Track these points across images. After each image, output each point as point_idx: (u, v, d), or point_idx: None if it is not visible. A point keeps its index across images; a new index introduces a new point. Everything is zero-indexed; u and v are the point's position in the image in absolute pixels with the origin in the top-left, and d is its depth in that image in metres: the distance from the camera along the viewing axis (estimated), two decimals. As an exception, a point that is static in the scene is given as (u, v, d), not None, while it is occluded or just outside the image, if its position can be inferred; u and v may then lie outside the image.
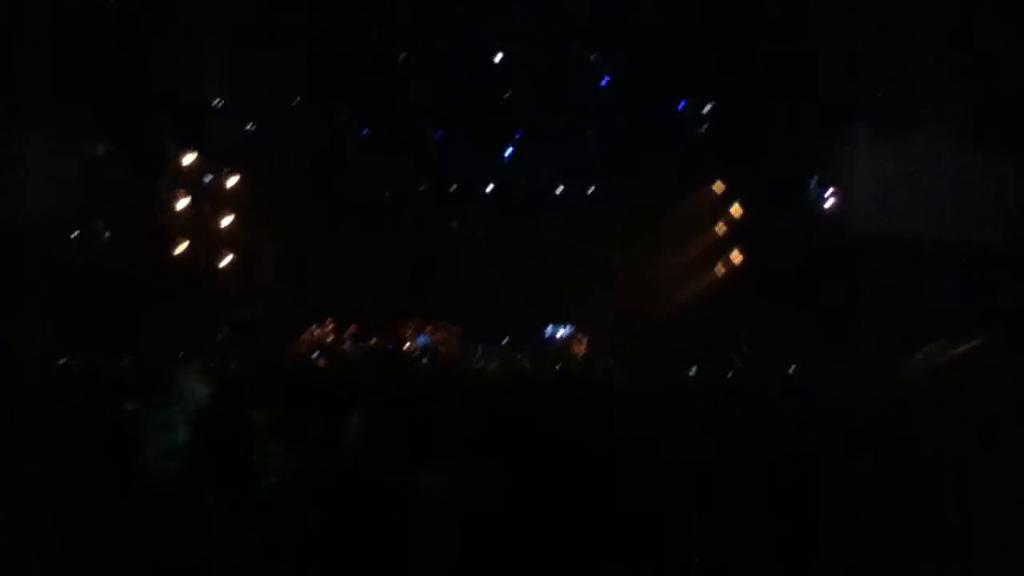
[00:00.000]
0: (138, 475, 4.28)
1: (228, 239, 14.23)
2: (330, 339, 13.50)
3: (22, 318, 9.95)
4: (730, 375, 10.38)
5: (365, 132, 15.23)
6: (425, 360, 12.70)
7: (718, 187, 14.32)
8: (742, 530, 4.52)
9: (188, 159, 13.38)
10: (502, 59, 14.12)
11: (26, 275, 10.56)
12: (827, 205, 13.90)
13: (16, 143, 10.72)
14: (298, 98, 14.34)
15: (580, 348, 13.58)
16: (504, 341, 14.01)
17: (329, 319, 13.65)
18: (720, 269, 14.32)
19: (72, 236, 12.21)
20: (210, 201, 13.99)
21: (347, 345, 13.02)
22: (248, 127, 14.27)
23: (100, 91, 11.64)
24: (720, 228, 14.35)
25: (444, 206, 15.38)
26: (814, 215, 13.95)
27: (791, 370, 10.31)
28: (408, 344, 13.84)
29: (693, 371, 10.28)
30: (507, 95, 14.46)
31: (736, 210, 14.20)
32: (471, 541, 3.98)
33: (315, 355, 13.07)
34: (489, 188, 15.40)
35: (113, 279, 11.82)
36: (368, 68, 13.98)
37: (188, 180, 13.55)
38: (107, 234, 12.71)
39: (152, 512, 4.10)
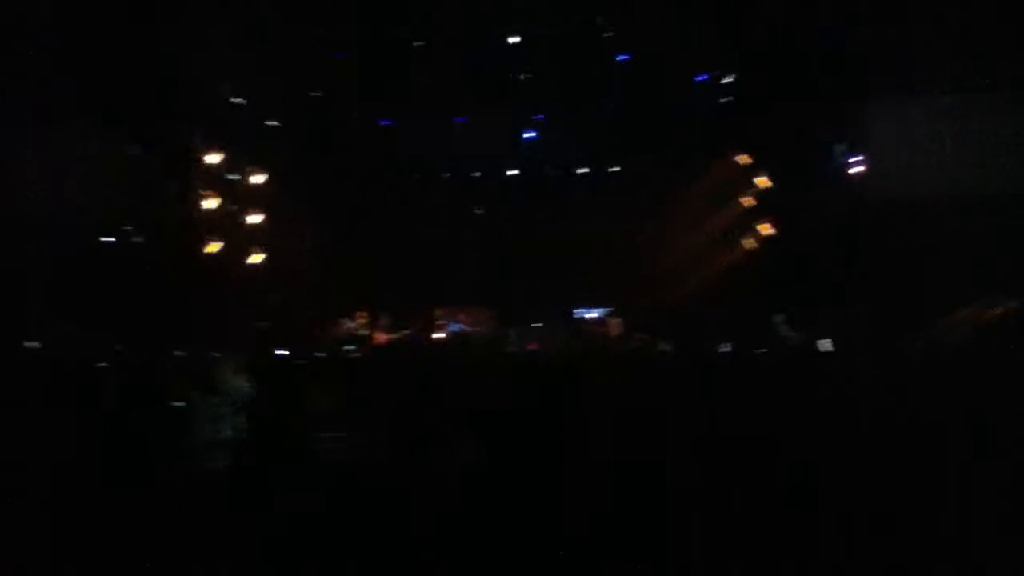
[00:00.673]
0: (189, 465, 4.34)
1: (257, 235, 14.33)
2: (362, 331, 13.59)
3: (60, 316, 10.11)
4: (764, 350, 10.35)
5: (386, 122, 15.26)
6: (457, 346, 12.78)
7: (743, 159, 14.19)
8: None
9: (215, 157, 13.46)
10: (520, 40, 14.03)
11: (61, 273, 10.72)
12: (854, 171, 13.72)
13: (45, 142, 10.85)
14: (320, 91, 14.38)
15: (614, 328, 13.56)
16: (536, 324, 14.02)
17: (360, 311, 13.74)
18: (750, 242, 14.20)
19: (106, 234, 12.34)
20: (238, 198, 14.09)
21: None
22: (272, 121, 14.33)
23: (129, 90, 11.75)
24: (747, 200, 14.22)
25: (470, 191, 15.42)
26: (841, 182, 13.79)
27: (826, 343, 10.26)
28: (440, 331, 13.90)
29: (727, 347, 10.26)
30: (526, 76, 14.38)
31: (762, 181, 14.07)
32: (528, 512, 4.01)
33: (348, 347, 13.19)
34: (513, 172, 15.38)
35: (146, 277, 11.94)
36: (388, 56, 13.97)
37: (216, 177, 13.64)
38: (140, 232, 12.84)
39: (205, 500, 4.18)
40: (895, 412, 5.24)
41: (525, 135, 15.34)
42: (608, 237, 15.01)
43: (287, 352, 10.96)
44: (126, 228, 13.02)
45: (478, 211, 15.52)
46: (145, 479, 4.30)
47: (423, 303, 14.25)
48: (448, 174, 15.28)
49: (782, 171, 14.09)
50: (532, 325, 13.72)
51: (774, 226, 13.94)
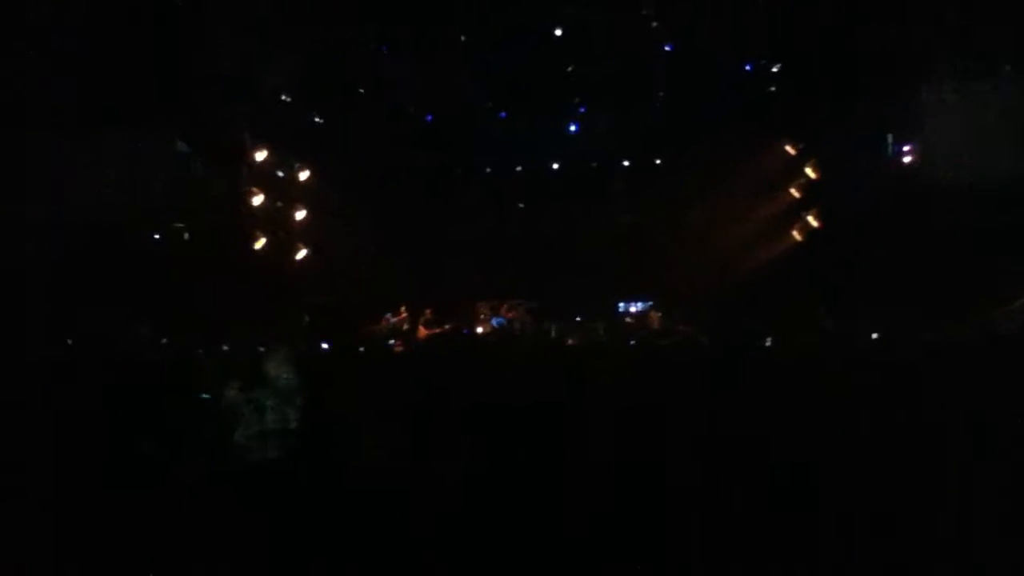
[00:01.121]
0: (237, 453, 4.43)
1: (303, 231, 14.52)
2: (405, 326, 13.72)
3: (112, 308, 10.37)
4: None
5: (430, 117, 15.33)
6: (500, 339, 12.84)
7: (790, 149, 13.97)
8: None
9: (261, 155, 13.66)
10: (564, 32, 13.96)
11: (112, 268, 11.00)
12: (905, 160, 13.44)
13: (94, 142, 11.13)
14: (365, 87, 14.49)
15: (654, 321, 13.51)
16: (578, 318, 13.99)
17: (402, 306, 13.86)
18: (797, 233, 14.00)
19: (153, 231, 12.62)
20: (284, 194, 14.28)
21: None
22: (316, 119, 14.49)
23: (177, 88, 11.98)
24: (796, 190, 14.01)
25: (512, 185, 15.43)
26: (891, 172, 13.52)
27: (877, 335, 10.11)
28: (483, 325, 13.96)
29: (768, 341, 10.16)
30: (569, 68, 14.32)
31: (811, 171, 13.84)
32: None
33: (391, 341, 13.32)
34: (556, 166, 15.35)
35: (195, 271, 12.18)
36: (433, 51, 14.02)
37: (263, 175, 13.84)
38: (187, 229, 13.10)
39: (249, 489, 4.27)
40: (942, 404, 5.16)
41: (569, 128, 15.28)
42: (652, 230, 14.91)
43: (330, 346, 11.12)
44: (175, 225, 13.30)
45: (520, 205, 15.50)
46: (185, 470, 4.40)
47: (466, 297, 14.32)
48: (490, 168, 15.27)
49: (829, 162, 13.85)
50: (575, 319, 13.70)
51: (820, 218, 13.70)
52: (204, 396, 5.61)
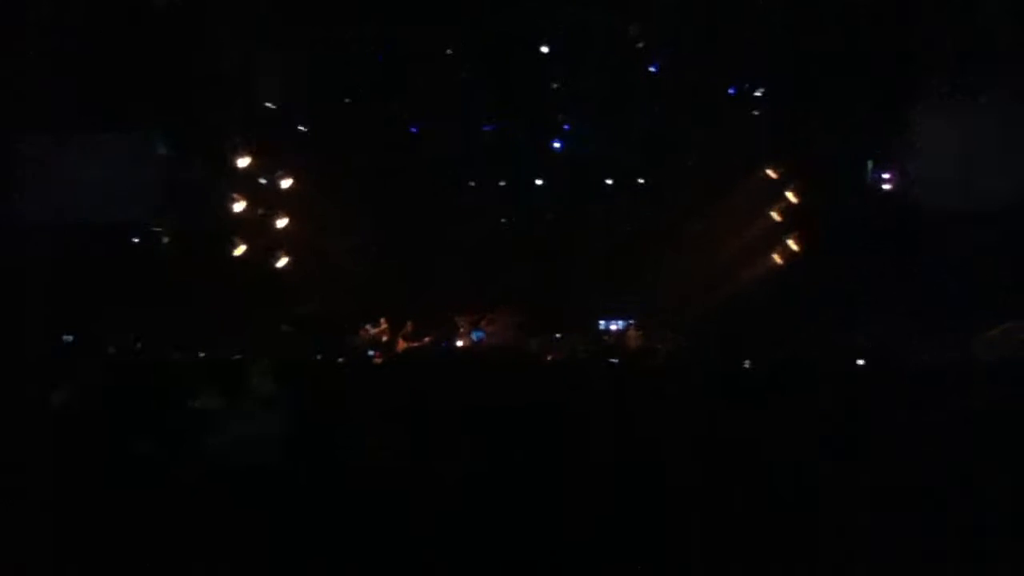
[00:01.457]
0: (213, 462, 4.36)
1: (284, 240, 14.42)
2: (384, 338, 13.64)
3: (93, 311, 10.27)
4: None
5: (415, 129, 15.33)
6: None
7: (773, 172, 14.07)
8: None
9: (244, 160, 13.57)
10: (550, 49, 14.05)
11: (95, 271, 10.90)
12: (884, 186, 13.60)
13: (81, 144, 11.05)
14: (350, 96, 14.49)
15: (634, 340, 13.52)
16: (558, 334, 13.97)
17: (383, 318, 13.79)
18: (778, 257, 14.09)
19: (135, 236, 12.51)
20: (266, 202, 14.19)
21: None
22: (302, 127, 14.44)
23: (164, 92, 11.92)
24: (777, 214, 14.10)
25: (496, 200, 15.42)
26: (872, 198, 13.66)
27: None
28: (463, 339, 13.91)
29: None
30: (555, 85, 14.39)
31: (792, 195, 13.94)
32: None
33: (370, 353, 13.25)
34: (540, 181, 15.36)
35: (177, 276, 12.08)
36: (419, 62, 14.05)
37: (245, 181, 13.75)
38: (168, 234, 12.99)
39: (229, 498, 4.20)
40: (918, 426, 5.17)
41: (553, 144, 15.32)
42: (634, 249, 14.95)
43: (310, 356, 11.04)
44: (155, 229, 13.19)
45: (503, 220, 15.48)
46: (165, 477, 4.33)
47: (446, 310, 14.27)
48: (473, 182, 15.25)
49: (812, 185, 13.96)
50: (555, 335, 13.67)
51: (802, 240, 13.79)
52: (183, 401, 5.54)
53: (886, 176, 13.67)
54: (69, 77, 10.93)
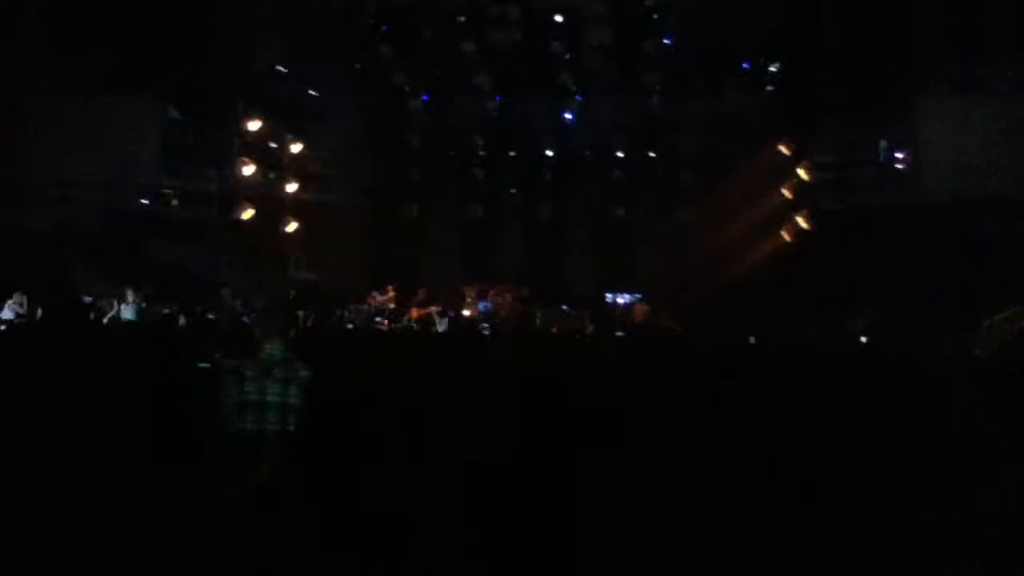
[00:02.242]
0: (221, 422, 4.37)
1: (293, 205, 14.42)
2: (391, 305, 13.67)
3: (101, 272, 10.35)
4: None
5: (426, 97, 15.27)
6: (486, 324, 12.81)
7: (785, 149, 13.96)
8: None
9: (254, 125, 13.54)
10: (563, 19, 13.91)
11: (104, 238, 10.95)
12: (898, 167, 13.48)
13: (86, 107, 11.05)
14: (362, 63, 14.41)
15: (639, 315, 13.51)
16: (565, 306, 13.97)
17: (390, 286, 13.81)
18: (786, 234, 14.01)
19: (147, 200, 12.53)
20: (275, 166, 14.19)
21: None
22: (312, 93, 14.39)
23: (172, 58, 11.89)
24: (787, 191, 14.00)
25: (506, 170, 15.36)
26: (884, 177, 13.56)
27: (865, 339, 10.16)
28: (470, 309, 13.93)
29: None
30: (568, 56, 14.27)
31: (804, 172, 13.84)
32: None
33: (377, 319, 13.28)
34: (550, 153, 15.28)
35: (184, 239, 12.11)
36: (428, 31, 13.95)
37: (254, 145, 13.72)
38: (180, 199, 13.01)
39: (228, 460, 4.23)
40: (921, 413, 5.17)
41: (564, 116, 15.23)
42: (644, 223, 14.91)
43: (318, 321, 11.08)
44: (166, 193, 13.21)
45: (512, 191, 15.44)
46: (183, 439, 4.37)
47: (455, 280, 14.28)
48: (483, 152, 15.19)
49: (823, 164, 13.87)
50: (561, 308, 13.67)
51: (811, 219, 13.71)
52: (201, 364, 5.59)
53: (899, 155, 13.54)
54: (83, 41, 10.91)
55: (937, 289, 10.80)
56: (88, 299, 10.13)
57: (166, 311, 9.66)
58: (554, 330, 12.33)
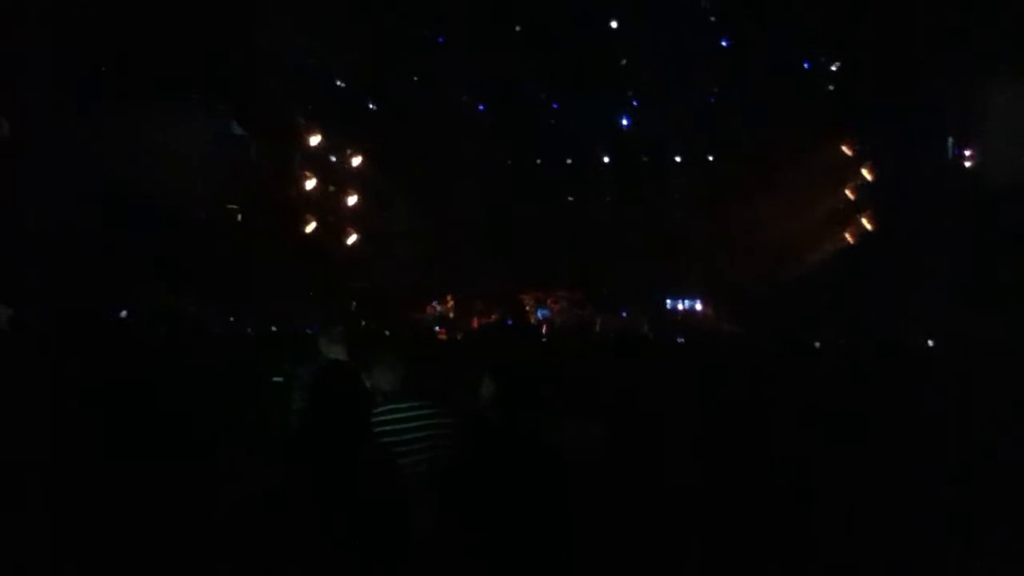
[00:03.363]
0: (286, 435, 4.42)
1: (353, 217, 14.63)
2: (450, 315, 13.78)
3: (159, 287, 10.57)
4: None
5: (482, 107, 15.36)
6: (544, 331, 12.83)
7: (846, 149, 13.71)
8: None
9: (315, 139, 13.78)
10: (618, 25, 13.88)
11: (164, 247, 11.18)
12: (965, 164, 13.13)
13: (152, 122, 11.29)
14: (418, 75, 14.57)
15: (703, 318, 13.40)
16: (623, 312, 13.92)
17: (449, 295, 13.91)
18: (850, 236, 13.73)
19: (206, 212, 12.79)
20: (336, 180, 14.41)
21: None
22: (370, 105, 14.60)
23: (233, 71, 12.14)
24: (850, 192, 13.74)
25: (562, 177, 15.36)
26: (950, 175, 13.21)
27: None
28: (528, 316, 13.96)
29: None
30: (623, 62, 14.22)
31: (867, 173, 13.57)
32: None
33: (436, 328, 13.40)
34: (607, 159, 15.24)
35: (245, 252, 12.33)
36: (487, 41, 14.04)
37: (316, 159, 13.96)
38: (240, 211, 13.28)
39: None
40: (994, 414, 5.03)
41: (621, 121, 15.18)
42: (702, 227, 14.76)
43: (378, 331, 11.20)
44: (228, 206, 13.49)
45: (570, 198, 15.43)
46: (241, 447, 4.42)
47: (513, 288, 14.32)
48: (540, 160, 15.22)
49: (886, 163, 13.57)
50: (620, 314, 13.62)
51: (874, 220, 13.43)
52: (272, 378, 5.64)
53: (968, 153, 13.19)
54: (148, 53, 11.19)
55: (1007, 287, 10.47)
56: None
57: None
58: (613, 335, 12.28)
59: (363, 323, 11.37)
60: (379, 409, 3.81)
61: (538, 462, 3.52)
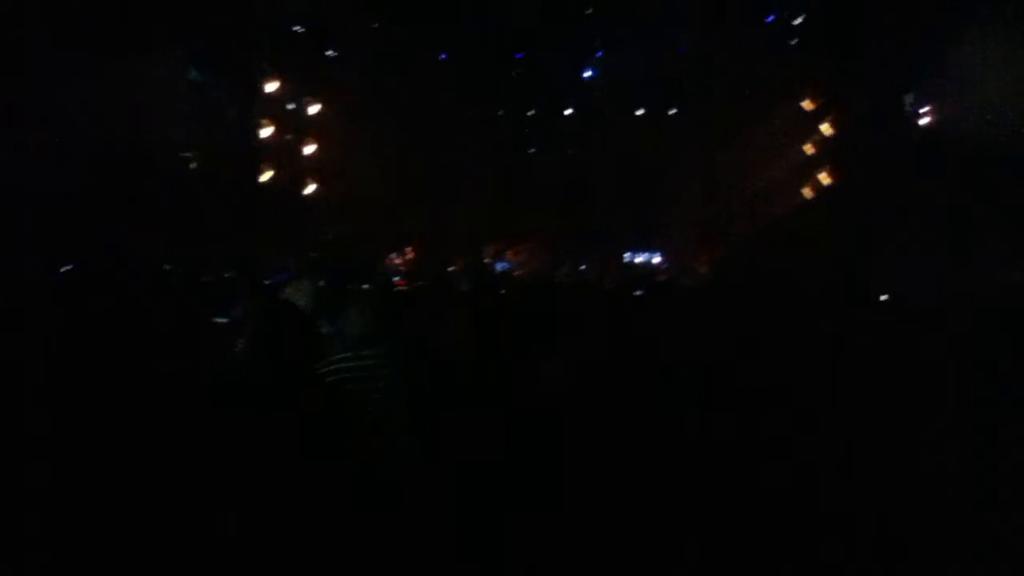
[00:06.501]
0: (239, 380, 4.35)
1: (314, 164, 14.42)
2: (410, 266, 13.71)
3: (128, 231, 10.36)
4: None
5: (444, 55, 15.14)
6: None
7: (808, 104, 13.77)
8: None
9: (272, 86, 13.49)
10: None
11: (133, 192, 10.96)
12: (923, 122, 13.26)
13: (106, 67, 10.98)
14: (377, 23, 14.30)
15: (662, 271, 13.49)
16: (583, 264, 13.96)
17: (409, 247, 13.83)
18: (808, 191, 13.85)
19: (168, 160, 12.51)
20: (294, 127, 14.16)
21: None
22: (331, 52, 14.31)
23: (192, 15, 11.81)
24: (810, 146, 13.84)
25: (525, 129, 15.27)
26: (909, 133, 13.34)
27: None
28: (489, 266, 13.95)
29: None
30: (588, 11, 14.08)
31: (827, 128, 13.65)
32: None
33: (395, 279, 13.33)
34: (569, 111, 15.15)
35: (211, 197, 12.12)
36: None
37: (273, 106, 13.69)
38: (203, 157, 13.01)
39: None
40: (945, 370, 5.09)
41: (585, 72, 15.07)
42: (664, 180, 14.81)
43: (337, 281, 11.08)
44: (184, 155, 13.21)
45: (531, 149, 15.36)
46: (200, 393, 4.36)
47: (473, 240, 14.28)
48: (502, 110, 15.09)
49: (847, 118, 13.67)
50: (580, 265, 13.67)
51: (835, 175, 13.55)
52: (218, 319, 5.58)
53: (926, 109, 13.31)
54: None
55: (963, 246, 10.66)
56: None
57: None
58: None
59: (328, 271, 11.24)
60: (339, 356, 3.78)
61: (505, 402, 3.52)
